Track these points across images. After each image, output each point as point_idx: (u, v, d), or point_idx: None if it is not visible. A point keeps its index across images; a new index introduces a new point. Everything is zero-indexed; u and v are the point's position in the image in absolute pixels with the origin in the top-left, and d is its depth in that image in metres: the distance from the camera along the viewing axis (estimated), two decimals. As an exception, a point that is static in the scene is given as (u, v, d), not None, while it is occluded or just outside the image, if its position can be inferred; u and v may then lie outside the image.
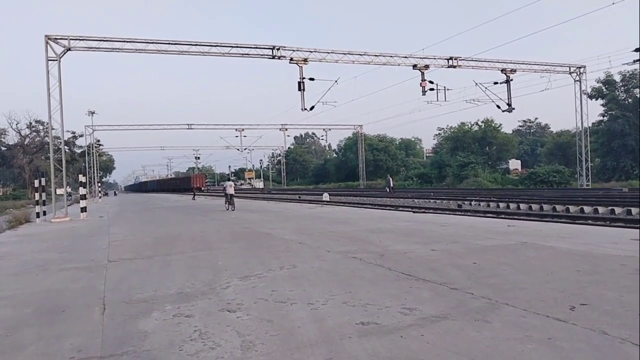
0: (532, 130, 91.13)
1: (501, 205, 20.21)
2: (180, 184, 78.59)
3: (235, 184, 25.32)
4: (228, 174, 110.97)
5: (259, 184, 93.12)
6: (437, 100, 27.59)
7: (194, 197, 40.10)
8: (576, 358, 2.82)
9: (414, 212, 16.77)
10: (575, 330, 3.26)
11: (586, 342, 3.05)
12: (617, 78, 44.06)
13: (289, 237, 9.27)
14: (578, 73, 33.85)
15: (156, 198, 47.90)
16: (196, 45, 23.30)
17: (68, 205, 20.89)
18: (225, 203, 21.18)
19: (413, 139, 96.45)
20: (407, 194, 33.45)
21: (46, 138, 61.00)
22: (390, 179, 38.43)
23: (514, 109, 29.13)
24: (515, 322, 3.48)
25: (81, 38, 20.56)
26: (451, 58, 27.20)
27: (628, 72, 42.42)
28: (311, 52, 24.81)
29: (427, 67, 26.08)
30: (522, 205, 19.40)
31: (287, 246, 8.05)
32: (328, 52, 25.39)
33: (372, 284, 4.91)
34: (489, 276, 5.06)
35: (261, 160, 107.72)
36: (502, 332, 3.29)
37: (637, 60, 34.06)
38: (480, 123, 63.06)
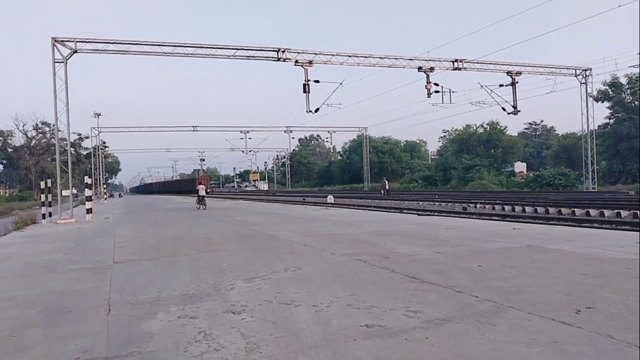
0: (537, 133, 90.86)
1: (506, 208, 20.14)
2: (185, 186, 78.82)
3: (205, 188, 27.96)
4: (233, 176, 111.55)
5: (264, 186, 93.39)
6: (443, 103, 27.49)
7: None
8: (582, 362, 2.80)
9: (418, 214, 16.72)
10: (580, 334, 3.24)
11: (592, 345, 3.03)
12: (624, 80, 43.84)
13: (294, 239, 9.27)
14: (584, 75, 33.67)
15: (161, 200, 48.07)
16: (202, 47, 23.35)
17: (74, 207, 21.02)
18: (197, 203, 23.90)
19: (418, 141, 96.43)
20: (412, 196, 33.38)
21: (52, 140, 61.39)
22: (386, 181, 38.30)
23: (519, 111, 29.00)
24: (521, 326, 3.46)
25: (87, 40, 20.66)
26: (456, 60, 27.13)
27: (634, 74, 42.17)
28: (316, 54, 24.80)
29: (432, 69, 26.01)
30: (527, 208, 19.33)
31: (291, 248, 8.05)
32: (333, 55, 25.36)
33: (376, 287, 4.90)
34: (494, 279, 5.04)
35: (266, 162, 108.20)
36: (508, 335, 3.28)
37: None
38: (485, 125, 62.92)
